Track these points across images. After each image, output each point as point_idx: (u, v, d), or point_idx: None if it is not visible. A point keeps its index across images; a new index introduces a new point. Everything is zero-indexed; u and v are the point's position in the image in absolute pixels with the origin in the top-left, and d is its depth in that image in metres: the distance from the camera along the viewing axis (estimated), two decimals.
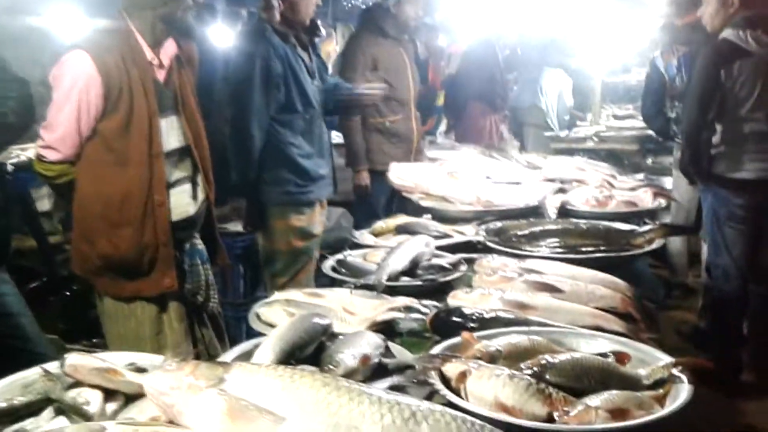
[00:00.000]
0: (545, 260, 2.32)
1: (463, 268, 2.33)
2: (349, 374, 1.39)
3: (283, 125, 3.18)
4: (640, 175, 3.83)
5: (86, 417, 1.18)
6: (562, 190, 3.31)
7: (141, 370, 1.35)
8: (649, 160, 6.10)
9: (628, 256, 2.44)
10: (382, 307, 1.94)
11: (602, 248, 2.50)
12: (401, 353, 1.63)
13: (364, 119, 4.06)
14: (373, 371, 1.51)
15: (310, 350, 1.53)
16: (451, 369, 1.49)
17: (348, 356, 1.42)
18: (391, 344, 1.65)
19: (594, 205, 3.04)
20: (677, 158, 4.48)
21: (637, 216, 3.08)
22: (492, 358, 1.56)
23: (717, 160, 3.50)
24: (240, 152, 3.15)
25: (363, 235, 2.81)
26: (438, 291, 2.20)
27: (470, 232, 2.78)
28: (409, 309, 1.94)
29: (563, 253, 2.48)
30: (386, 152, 4.09)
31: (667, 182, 4.70)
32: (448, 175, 3.08)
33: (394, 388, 1.39)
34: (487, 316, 1.83)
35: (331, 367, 1.38)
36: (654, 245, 2.55)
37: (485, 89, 5.54)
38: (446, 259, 2.40)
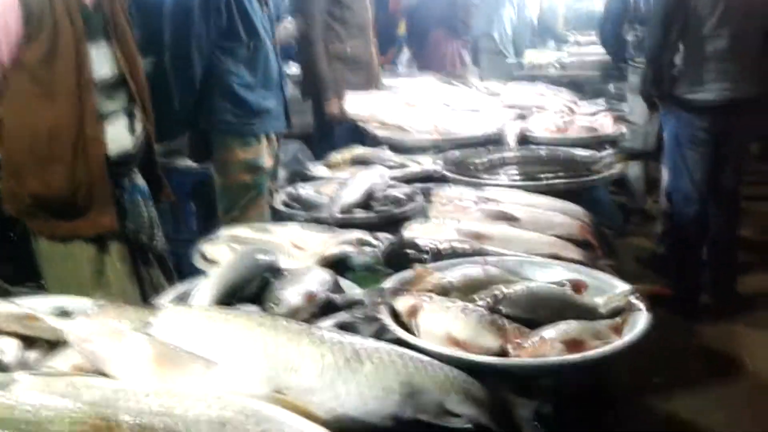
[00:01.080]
0: (502, 188, 2.25)
1: (419, 199, 2.24)
2: (292, 313, 1.32)
3: (225, 53, 3.01)
4: (601, 101, 3.75)
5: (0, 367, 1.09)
6: (521, 117, 3.22)
7: (67, 314, 1.26)
8: (611, 87, 6.01)
9: (587, 182, 2.39)
10: (333, 241, 1.86)
11: (561, 175, 2.44)
12: (351, 289, 1.55)
13: (326, 46, 3.88)
14: (321, 309, 1.43)
15: (252, 288, 1.45)
16: (402, 303, 1.42)
17: (291, 293, 1.33)
18: (341, 280, 1.58)
19: (554, 132, 2.96)
20: (632, 82, 4.42)
21: (597, 142, 3.01)
22: (445, 291, 1.50)
23: (679, 82, 3.44)
24: (179, 78, 3.00)
25: (317, 168, 2.70)
26: (393, 223, 2.11)
27: (427, 163, 2.69)
28: (361, 242, 1.86)
29: (522, 181, 2.41)
30: (347, 80, 3.92)
31: (625, 107, 4.66)
32: (405, 104, 2.96)
33: (341, 326, 1.31)
34: (441, 247, 1.76)
35: (272, 305, 1.30)
36: (613, 171, 2.49)
37: (446, 15, 5.35)
38: (402, 191, 2.31)
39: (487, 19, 6.83)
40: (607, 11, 4.76)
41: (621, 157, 2.54)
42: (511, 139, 2.87)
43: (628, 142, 4.30)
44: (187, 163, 3.39)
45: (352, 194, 2.16)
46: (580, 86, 6.71)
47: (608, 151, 2.61)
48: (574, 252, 1.83)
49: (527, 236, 1.87)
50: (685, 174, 3.47)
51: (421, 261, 1.71)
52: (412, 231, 1.93)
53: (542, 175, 2.45)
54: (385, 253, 1.77)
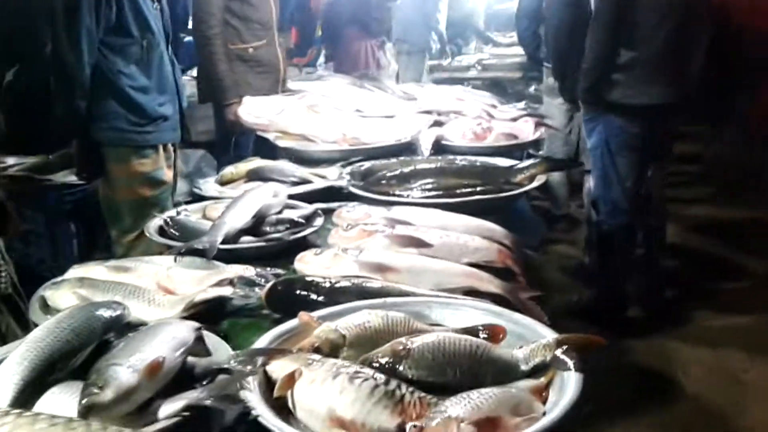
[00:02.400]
0: (414, 207, 1.99)
1: (319, 221, 1.96)
2: (124, 396, 1.00)
3: (114, 51, 2.63)
4: (522, 104, 3.55)
5: None
6: (438, 123, 2.98)
7: None
8: (532, 88, 5.89)
9: (507, 197, 2.15)
10: (209, 281, 1.55)
11: (478, 189, 2.20)
12: (218, 348, 1.25)
13: (224, 46, 3.53)
14: (175, 380, 1.12)
15: (82, 357, 1.13)
16: (279, 369, 1.14)
17: (124, 370, 1.02)
18: (208, 335, 1.27)
19: (471, 139, 2.73)
20: (549, 84, 4.26)
21: (518, 149, 2.82)
22: (335, 347, 1.22)
23: (614, 87, 3.24)
24: (64, 81, 2.59)
25: (207, 184, 2.37)
26: (287, 251, 1.83)
27: (334, 176, 2.41)
28: (244, 281, 1.56)
29: (436, 196, 2.15)
30: (250, 83, 3.59)
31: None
32: (308, 109, 2.66)
33: (191, 409, 1.01)
34: (336, 285, 1.48)
35: (95, 390, 0.97)
36: (535, 183, 2.27)
37: (359, 13, 5.07)
38: (301, 212, 2.02)
39: (406, 18, 6.61)
40: (521, 8, 4.59)
41: (543, 167, 2.32)
42: (426, 149, 2.62)
43: (545, 148, 4.16)
44: (67, 178, 2.98)
45: (238, 218, 1.85)
46: (502, 88, 6.63)
47: (529, 161, 2.39)
48: (492, 283, 1.58)
49: (439, 267, 1.61)
50: (616, 182, 3.30)
51: (312, 304, 1.42)
52: (305, 264, 1.65)
53: (458, 190, 2.21)
54: (266, 295, 1.48)
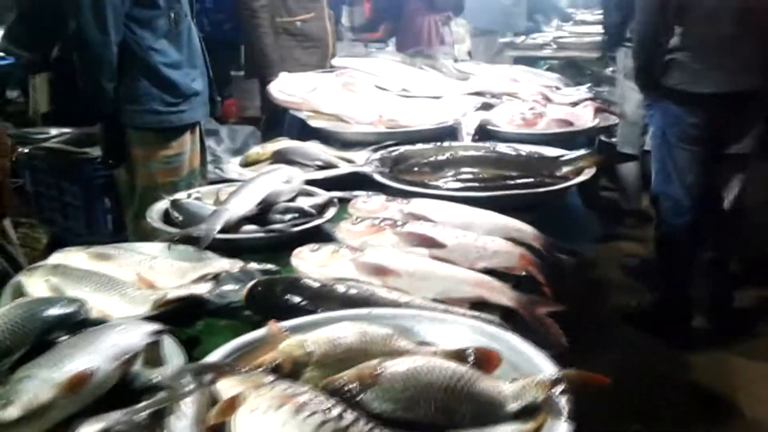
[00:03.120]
0: (437, 200, 1.80)
1: (331, 211, 1.81)
2: (35, 413, 0.88)
3: (141, 25, 2.50)
4: (584, 88, 3.27)
5: None
6: (488, 106, 2.76)
7: None
8: (609, 69, 5.51)
9: (544, 193, 1.92)
10: (192, 275, 1.42)
11: (515, 182, 1.99)
12: (172, 356, 1.12)
13: (271, 18, 3.40)
14: (114, 392, 1.00)
15: (11, 360, 1.01)
16: (226, 390, 0.99)
17: (36, 383, 0.89)
18: (168, 341, 1.14)
19: (520, 125, 2.51)
20: (625, 65, 3.92)
21: (571, 137, 2.56)
22: (299, 365, 1.07)
23: (670, 71, 2.94)
24: (91, 58, 2.46)
25: (230, 165, 2.26)
26: (297, 243, 1.69)
27: (362, 161, 2.25)
28: (232, 277, 1.42)
29: (469, 188, 1.96)
30: (297, 58, 3.46)
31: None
32: (343, 87, 2.50)
33: None
34: (322, 289, 1.32)
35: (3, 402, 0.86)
36: (582, 177, 2.03)
37: None
38: (314, 200, 1.87)
39: None
40: None
41: (591, 160, 2.08)
42: (468, 134, 2.42)
43: (618, 137, 3.85)
44: (98, 151, 2.93)
45: (241, 205, 1.72)
46: (579, 68, 6.26)
47: (577, 153, 2.15)
48: (504, 294, 1.38)
49: (447, 272, 1.43)
50: (675, 177, 2.99)
51: (293, 309, 1.28)
52: (301, 260, 1.50)
53: (495, 182, 2.01)
54: (247, 295, 1.34)
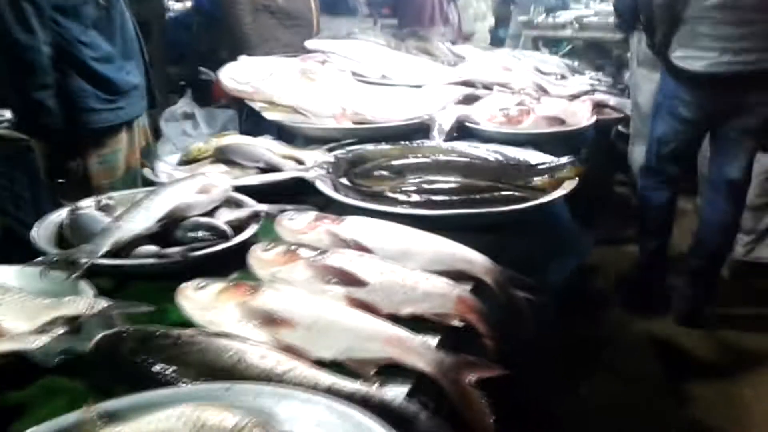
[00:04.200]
0: (378, 218, 1.51)
1: (251, 230, 1.53)
2: None
3: (67, 14, 2.19)
4: (595, 75, 2.93)
5: None
6: (473, 98, 2.45)
7: None
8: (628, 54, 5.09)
9: (509, 212, 1.62)
10: (44, 317, 1.16)
11: (477, 196, 1.68)
12: None
13: None
14: None
15: None
16: None
17: None
18: None
19: (502, 123, 2.19)
20: (638, 50, 3.57)
21: (563, 138, 2.23)
22: None
23: (675, 44, 2.79)
24: (18, 63, 2.13)
25: (161, 164, 1.98)
26: (202, 269, 1.42)
27: (317, 161, 1.96)
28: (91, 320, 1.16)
29: (420, 204, 1.66)
30: (278, 38, 3.16)
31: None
32: (302, 75, 2.20)
33: None
34: (179, 349, 1.05)
35: None
36: (560, 191, 1.72)
37: None
38: (237, 213, 1.60)
39: None
40: None
41: (575, 170, 1.76)
42: (440, 132, 2.11)
43: (631, 130, 3.49)
44: None
45: (138, 221, 1.45)
46: (603, 51, 5.84)
47: (560, 160, 1.83)
48: (421, 357, 1.09)
49: (354, 324, 1.14)
50: (653, 144, 2.93)
51: (141, 374, 1.01)
52: (185, 299, 1.22)
53: (456, 195, 1.71)
54: (92, 352, 1.07)
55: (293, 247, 1.35)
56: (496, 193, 1.72)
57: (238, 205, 1.66)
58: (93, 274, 1.38)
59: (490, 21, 8.80)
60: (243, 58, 2.37)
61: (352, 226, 1.46)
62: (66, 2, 2.19)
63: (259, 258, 1.35)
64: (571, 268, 2.16)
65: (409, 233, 1.45)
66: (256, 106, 2.20)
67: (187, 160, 2.06)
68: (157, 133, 3.05)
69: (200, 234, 1.48)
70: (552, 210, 1.93)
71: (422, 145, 2.01)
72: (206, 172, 1.71)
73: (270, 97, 2.16)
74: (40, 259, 1.35)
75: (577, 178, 1.76)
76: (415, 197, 1.70)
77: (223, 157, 1.98)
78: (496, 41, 8.43)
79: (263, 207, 1.60)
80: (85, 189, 2.27)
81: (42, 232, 1.51)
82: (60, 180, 2.28)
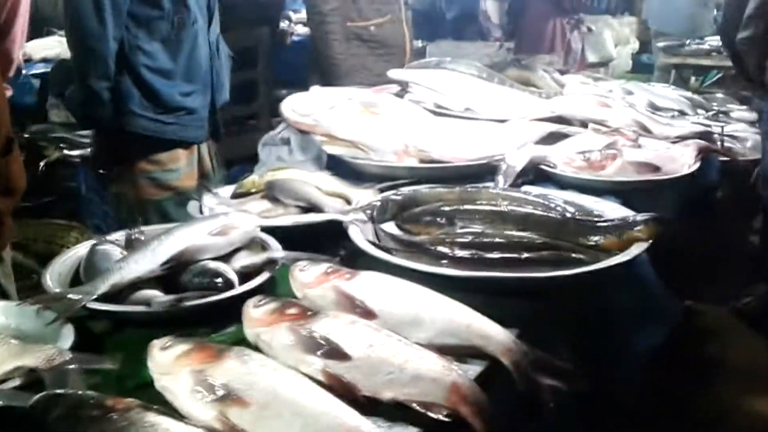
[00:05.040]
0: (396, 275, 1.35)
1: (260, 279, 1.41)
2: None
3: (138, 23, 2.25)
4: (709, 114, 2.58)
5: None
6: (560, 137, 2.21)
7: None
8: None
9: (550, 278, 1.38)
10: (6, 365, 1.11)
11: (520, 256, 1.47)
12: None
13: (342, 23, 3.05)
14: None
15: None
16: None
17: None
18: None
19: (580, 167, 1.94)
20: None
21: (652, 189, 1.94)
22: None
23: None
24: (85, 52, 2.23)
25: (208, 196, 1.92)
26: (206, 316, 1.34)
27: (363, 202, 1.82)
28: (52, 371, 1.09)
29: (455, 260, 1.47)
30: (370, 68, 3.07)
31: None
32: (364, 108, 2.08)
33: None
34: (107, 420, 0.94)
35: None
36: (625, 255, 1.46)
37: None
38: (253, 259, 1.49)
39: None
40: None
41: (648, 231, 1.49)
42: (505, 176, 1.90)
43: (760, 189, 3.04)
44: None
45: (141, 263, 1.38)
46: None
47: (645, 216, 1.56)
48: None
49: (313, 410, 0.98)
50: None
51: None
52: (153, 360, 1.12)
53: (499, 253, 1.50)
54: (29, 412, 0.99)
55: (283, 306, 1.22)
56: (548, 253, 1.50)
57: (264, 248, 1.56)
58: (91, 316, 1.34)
59: (634, 46, 8.28)
60: (314, 89, 2.30)
61: (362, 284, 1.31)
62: (141, 12, 2.25)
63: (248, 315, 1.23)
64: (656, 340, 1.85)
65: (422, 296, 1.28)
66: (318, 139, 2.11)
67: (240, 194, 2.00)
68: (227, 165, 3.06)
69: (206, 280, 1.39)
70: (625, 271, 1.67)
71: (481, 190, 1.81)
72: (234, 211, 1.62)
73: (329, 130, 2.05)
74: (35, 297, 1.31)
75: (648, 241, 1.50)
76: (457, 251, 1.52)
77: (270, 193, 1.90)
78: (640, 68, 7.91)
79: (279, 254, 1.48)
80: (135, 202, 2.33)
81: (58, 267, 1.48)
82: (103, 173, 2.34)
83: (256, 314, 1.22)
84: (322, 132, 2.07)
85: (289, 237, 1.63)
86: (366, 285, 1.31)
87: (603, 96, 2.42)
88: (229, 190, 2.04)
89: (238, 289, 1.36)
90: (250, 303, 1.25)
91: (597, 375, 1.66)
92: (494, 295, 1.38)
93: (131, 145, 2.33)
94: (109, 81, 2.25)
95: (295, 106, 2.10)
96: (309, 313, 1.20)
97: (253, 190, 1.98)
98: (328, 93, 2.18)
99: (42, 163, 2.95)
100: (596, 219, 1.59)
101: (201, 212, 1.82)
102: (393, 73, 2.58)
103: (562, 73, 3.15)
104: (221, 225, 1.50)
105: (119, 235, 1.63)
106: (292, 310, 1.20)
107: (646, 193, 1.90)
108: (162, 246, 1.41)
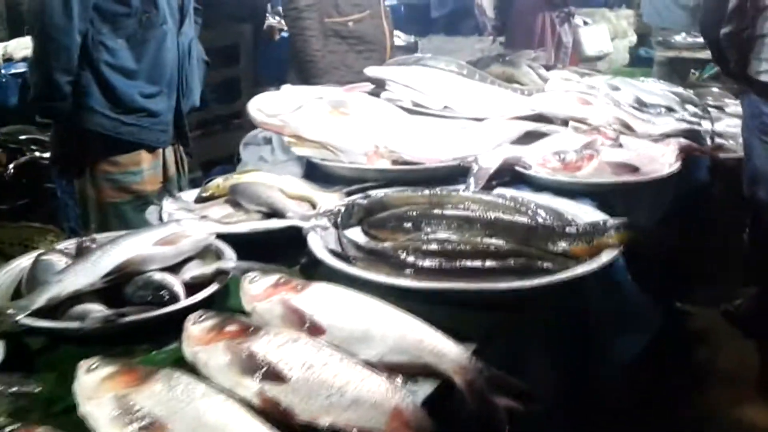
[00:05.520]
0: (350, 288, 1.28)
1: (207, 291, 1.34)
2: None
3: (104, 18, 2.16)
4: (695, 110, 2.49)
5: None
6: (539, 136, 2.14)
7: None
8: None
9: (512, 291, 1.31)
10: None
11: (482, 265, 1.39)
12: None
13: (319, 19, 2.97)
14: None
15: None
16: None
17: None
18: None
19: (555, 168, 1.86)
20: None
21: (627, 190, 1.86)
22: None
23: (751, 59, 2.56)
24: (47, 42, 2.13)
25: (167, 201, 1.85)
26: (148, 330, 1.27)
27: (329, 205, 1.75)
28: None
29: (415, 270, 1.40)
30: (350, 65, 2.99)
31: None
32: (333, 109, 2.00)
33: None
34: None
35: None
36: (592, 263, 1.39)
37: None
38: (203, 269, 1.42)
39: None
40: None
41: (618, 237, 1.42)
42: (477, 178, 1.82)
43: (745, 187, 2.94)
44: None
45: (81, 276, 1.31)
46: None
47: (616, 221, 1.49)
48: None
49: None
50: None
51: None
52: (76, 382, 1.06)
53: (467, 261, 1.43)
54: None
55: (223, 322, 1.14)
56: (513, 261, 1.42)
57: (219, 257, 1.49)
58: (29, 332, 1.27)
59: (632, 39, 8.16)
60: (285, 88, 2.22)
61: (312, 297, 1.24)
62: (108, 6, 2.17)
63: (187, 332, 1.16)
64: (635, 348, 1.78)
65: (374, 311, 1.21)
66: (284, 140, 2.04)
67: (205, 198, 1.93)
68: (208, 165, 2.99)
69: (150, 293, 1.32)
70: (597, 278, 1.59)
71: (451, 193, 1.74)
72: (189, 218, 1.55)
73: (297, 131, 1.98)
74: None
75: (619, 247, 1.42)
76: (419, 260, 1.44)
77: (232, 197, 1.83)
78: (639, 62, 7.78)
79: (230, 264, 1.41)
80: (96, 204, 2.26)
81: (3, 278, 1.41)
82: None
83: (194, 331, 1.15)
84: (290, 133, 1.99)
85: (250, 244, 1.57)
86: (316, 298, 1.24)
87: (584, 93, 2.33)
88: (194, 194, 1.97)
89: (181, 304, 1.29)
90: (191, 319, 1.18)
91: (573, 387, 1.61)
92: (456, 307, 1.32)
93: (90, 143, 2.25)
94: (71, 75, 2.18)
95: (262, 106, 2.02)
96: (251, 329, 1.12)
97: (218, 195, 1.92)
98: (298, 92, 2.10)
99: (11, 166, 2.88)
100: (565, 225, 1.52)
101: (160, 218, 1.75)
102: (370, 71, 2.50)
103: (548, 68, 3.06)
104: (170, 233, 1.43)
105: (70, 243, 1.57)
106: (231, 327, 1.13)
107: (624, 195, 1.82)
108: (104, 257, 1.34)
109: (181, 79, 2.35)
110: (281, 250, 1.56)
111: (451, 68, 2.61)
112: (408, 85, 2.46)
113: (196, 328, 1.15)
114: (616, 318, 1.70)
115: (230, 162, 2.78)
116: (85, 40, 2.16)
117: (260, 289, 1.28)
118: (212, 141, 3.80)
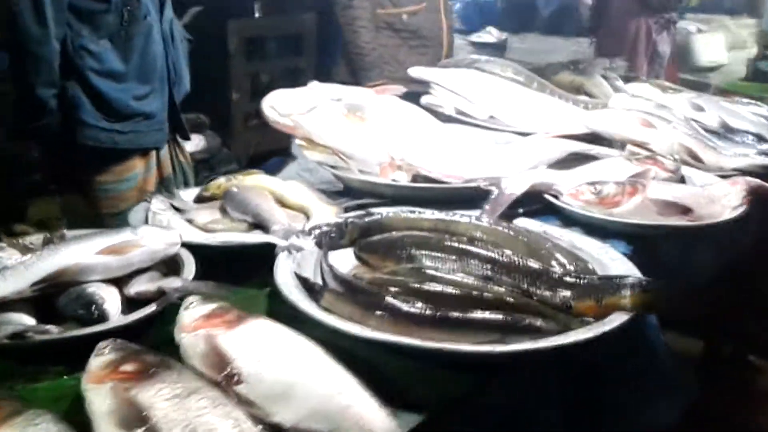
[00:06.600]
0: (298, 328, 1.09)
1: (142, 312, 1.20)
2: None
3: (82, 18, 1.99)
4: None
5: None
6: (584, 159, 1.87)
7: None
8: None
9: (486, 355, 1.08)
10: None
11: (480, 316, 1.17)
12: None
13: (371, 10, 2.77)
14: None
15: None
16: None
17: None
18: None
19: (590, 202, 1.59)
20: None
21: (673, 235, 1.57)
22: None
23: None
24: (26, 56, 1.98)
25: (157, 200, 1.72)
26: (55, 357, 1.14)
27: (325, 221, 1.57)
28: None
29: (386, 312, 1.19)
30: (402, 61, 2.78)
31: None
32: (348, 113, 1.81)
33: None
34: None
35: None
36: (600, 326, 1.14)
37: None
38: (148, 285, 1.28)
39: None
40: None
41: (635, 299, 1.16)
42: (494, 204, 1.58)
43: None
44: None
45: (10, 282, 1.19)
46: None
47: (633, 279, 1.22)
48: None
49: None
50: None
51: None
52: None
53: (439, 311, 1.21)
54: None
55: (121, 359, 0.99)
56: (501, 315, 1.19)
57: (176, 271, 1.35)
58: None
59: (752, 51, 7.50)
60: (312, 84, 2.05)
61: (241, 336, 1.06)
62: (84, 4, 2.01)
63: (88, 365, 1.02)
64: (663, 420, 1.50)
65: (307, 362, 1.02)
66: (296, 143, 1.87)
67: (204, 197, 1.80)
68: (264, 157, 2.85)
69: (79, 308, 1.19)
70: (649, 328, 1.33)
71: (460, 219, 1.51)
72: (144, 227, 1.40)
73: (308, 134, 1.80)
74: None
75: (632, 312, 1.16)
76: (395, 300, 1.23)
77: (223, 202, 1.68)
78: (758, 76, 7.12)
79: (175, 283, 1.26)
80: (92, 219, 2.14)
81: None
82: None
83: (93, 364, 1.00)
84: (302, 135, 1.82)
85: (225, 258, 1.42)
86: (247, 338, 1.06)
87: (649, 113, 2.02)
88: (193, 193, 1.84)
89: (104, 326, 1.14)
90: (98, 348, 1.04)
91: None
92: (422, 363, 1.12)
93: (83, 158, 2.12)
94: (55, 88, 2.03)
95: (276, 104, 1.86)
96: (149, 371, 0.96)
97: (218, 195, 1.78)
98: (319, 91, 1.92)
99: None
100: (575, 275, 1.26)
101: (147, 219, 1.63)
102: (414, 71, 2.29)
103: (628, 80, 2.74)
104: (120, 242, 1.29)
105: (37, 238, 1.46)
106: (128, 367, 0.97)
107: (668, 241, 1.54)
108: (38, 262, 1.22)
109: (169, 69, 2.20)
110: (258, 267, 1.41)
111: (507, 74, 2.36)
112: (453, 90, 2.23)
113: (96, 360, 1.01)
114: (637, 384, 1.43)
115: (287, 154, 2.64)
116: (65, 46, 2.01)
117: (191, 319, 1.12)
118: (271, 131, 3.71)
